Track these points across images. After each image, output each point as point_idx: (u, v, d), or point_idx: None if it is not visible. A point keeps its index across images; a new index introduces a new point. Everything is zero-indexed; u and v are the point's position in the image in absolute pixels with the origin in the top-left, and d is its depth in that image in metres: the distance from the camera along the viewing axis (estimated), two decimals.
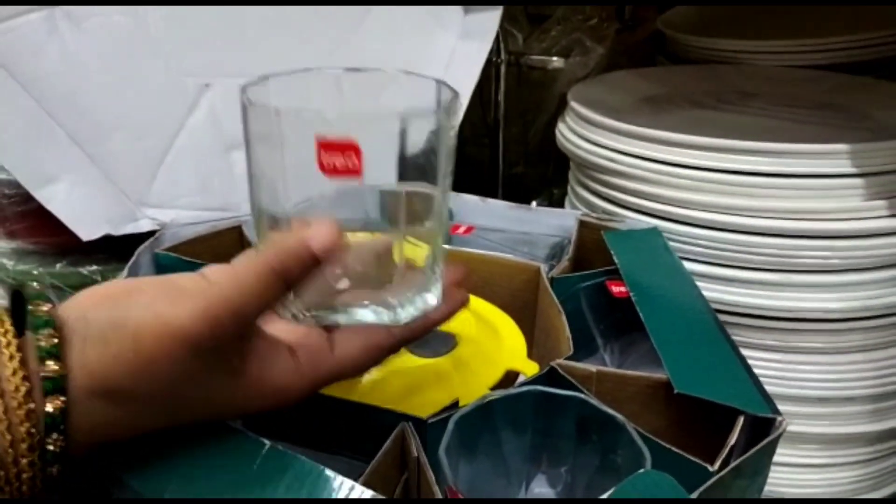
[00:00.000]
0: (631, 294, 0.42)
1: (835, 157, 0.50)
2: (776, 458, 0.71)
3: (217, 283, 0.28)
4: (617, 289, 0.45)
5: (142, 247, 0.47)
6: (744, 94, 0.71)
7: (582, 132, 0.62)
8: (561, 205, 0.73)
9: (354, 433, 0.33)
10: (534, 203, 0.68)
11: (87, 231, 0.53)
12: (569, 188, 0.70)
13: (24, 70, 0.49)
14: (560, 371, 0.36)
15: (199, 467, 0.28)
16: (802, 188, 0.51)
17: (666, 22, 0.85)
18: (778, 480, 0.62)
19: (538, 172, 0.88)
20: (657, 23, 0.86)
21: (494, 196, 0.61)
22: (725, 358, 0.37)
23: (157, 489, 0.27)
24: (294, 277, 0.28)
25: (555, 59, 0.76)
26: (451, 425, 0.31)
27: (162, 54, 0.53)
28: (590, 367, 0.37)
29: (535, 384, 0.35)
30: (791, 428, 0.64)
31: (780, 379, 0.57)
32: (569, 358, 0.37)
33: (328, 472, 0.28)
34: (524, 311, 0.47)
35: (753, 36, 0.77)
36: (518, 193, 0.62)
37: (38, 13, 0.49)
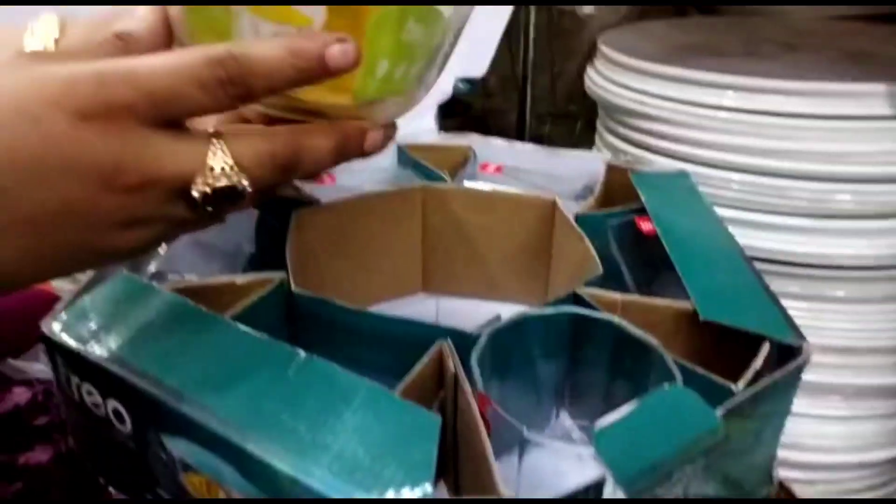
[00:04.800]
0: (657, 230, 0.42)
1: (870, 98, 0.49)
2: (799, 410, 0.70)
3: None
4: (647, 226, 0.44)
5: None
6: (779, 45, 0.70)
7: (612, 76, 0.61)
8: None
9: (385, 349, 0.33)
10: None
11: None
12: (596, 136, 0.69)
13: None
14: (585, 298, 0.36)
15: (234, 372, 0.28)
16: (836, 130, 0.50)
17: None
18: (800, 431, 0.62)
19: (565, 130, 0.88)
20: None
21: None
22: (752, 289, 0.37)
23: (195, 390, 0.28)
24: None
25: (585, 6, 0.75)
26: (483, 339, 0.31)
27: None
28: (615, 294, 0.37)
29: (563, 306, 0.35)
30: (814, 379, 0.63)
31: (805, 328, 0.57)
32: (594, 282, 0.37)
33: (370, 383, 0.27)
34: (540, 249, 0.47)
35: None
36: None
37: None
